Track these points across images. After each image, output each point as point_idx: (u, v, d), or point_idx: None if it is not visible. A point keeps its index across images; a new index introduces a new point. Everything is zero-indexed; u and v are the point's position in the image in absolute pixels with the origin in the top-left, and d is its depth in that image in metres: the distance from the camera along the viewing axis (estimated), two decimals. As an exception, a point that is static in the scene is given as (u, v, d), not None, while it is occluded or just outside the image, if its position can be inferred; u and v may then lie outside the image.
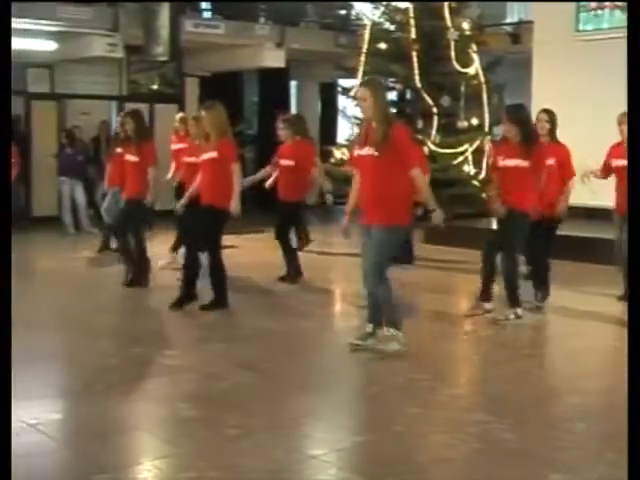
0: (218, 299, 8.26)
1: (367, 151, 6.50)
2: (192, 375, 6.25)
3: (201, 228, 8.24)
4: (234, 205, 8.08)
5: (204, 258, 8.40)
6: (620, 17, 13.55)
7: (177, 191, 10.45)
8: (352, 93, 14.09)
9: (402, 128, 6.72)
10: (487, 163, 8.07)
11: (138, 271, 9.45)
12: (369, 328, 6.79)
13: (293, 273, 9.86)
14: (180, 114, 12.56)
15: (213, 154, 8.18)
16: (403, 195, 6.53)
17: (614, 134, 8.61)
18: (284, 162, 9.82)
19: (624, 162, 8.08)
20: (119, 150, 10.22)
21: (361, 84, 6.93)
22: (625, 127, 8.15)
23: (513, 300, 7.84)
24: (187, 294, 8.31)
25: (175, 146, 11.56)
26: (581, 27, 14.27)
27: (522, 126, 7.59)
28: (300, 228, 11.76)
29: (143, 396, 5.87)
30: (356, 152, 6.71)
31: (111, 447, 4.80)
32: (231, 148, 8.28)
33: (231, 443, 4.84)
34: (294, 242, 10.80)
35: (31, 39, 14.54)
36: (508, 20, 18.42)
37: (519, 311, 7.86)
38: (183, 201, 8.67)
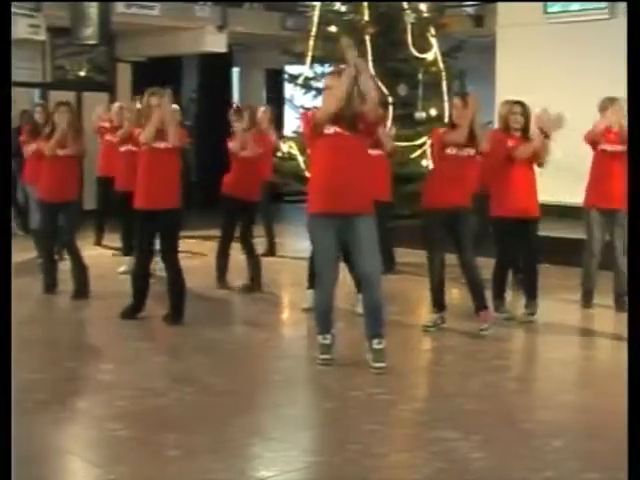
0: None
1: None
2: (127, 392, 6.15)
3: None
4: None
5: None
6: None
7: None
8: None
9: None
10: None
11: (81, 282, 9.21)
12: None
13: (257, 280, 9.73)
14: (117, 103, 12.59)
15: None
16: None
17: (584, 122, 8.61)
18: (247, 154, 9.62)
19: (618, 148, 8.43)
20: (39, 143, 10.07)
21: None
22: (609, 112, 8.54)
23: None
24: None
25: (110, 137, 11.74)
26: (549, 9, 14.26)
27: None
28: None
29: (72, 416, 5.79)
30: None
31: (36, 473, 4.71)
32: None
33: (170, 466, 4.79)
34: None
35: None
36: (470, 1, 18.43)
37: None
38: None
